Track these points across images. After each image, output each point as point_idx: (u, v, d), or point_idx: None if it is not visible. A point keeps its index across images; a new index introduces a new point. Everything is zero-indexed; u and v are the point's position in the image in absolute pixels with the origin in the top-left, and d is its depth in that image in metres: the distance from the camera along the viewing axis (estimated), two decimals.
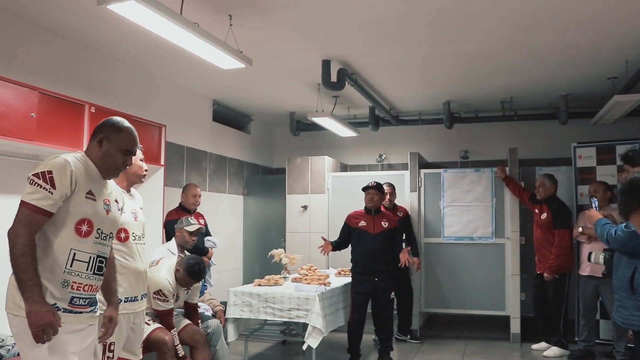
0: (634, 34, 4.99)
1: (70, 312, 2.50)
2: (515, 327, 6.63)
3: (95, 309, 2.68)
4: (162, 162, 5.35)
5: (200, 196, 5.87)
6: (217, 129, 7.36)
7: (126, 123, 2.70)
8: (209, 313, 5.13)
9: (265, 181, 8.43)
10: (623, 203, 2.60)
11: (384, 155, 8.56)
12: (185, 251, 5.01)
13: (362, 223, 5.67)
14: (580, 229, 5.83)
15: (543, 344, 6.22)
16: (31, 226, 2.38)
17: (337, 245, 5.83)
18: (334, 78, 5.71)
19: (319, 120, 6.74)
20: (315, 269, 6.27)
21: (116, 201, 2.80)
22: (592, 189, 5.85)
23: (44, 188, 2.41)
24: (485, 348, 6.40)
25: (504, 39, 5.08)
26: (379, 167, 8.52)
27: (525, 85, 6.60)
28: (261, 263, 7.77)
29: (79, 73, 5.04)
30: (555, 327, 6.05)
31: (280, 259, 6.08)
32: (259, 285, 5.45)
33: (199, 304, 5.08)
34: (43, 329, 2.32)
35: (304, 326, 6.27)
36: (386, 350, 5.71)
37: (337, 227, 7.14)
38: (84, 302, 2.56)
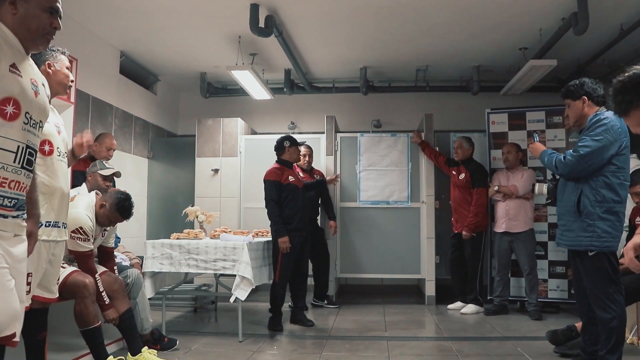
0: (551, 1, 5.18)
1: None
2: (430, 290, 6.66)
3: (23, 215, 2.19)
4: (73, 100, 4.75)
5: (114, 150, 5.33)
6: (123, 83, 6.80)
7: None
8: (127, 263, 4.65)
9: (172, 144, 7.91)
10: (622, 101, 2.37)
11: (295, 123, 8.36)
12: None
13: (291, 178, 5.40)
14: (496, 188, 6.01)
15: (458, 304, 6.31)
16: None
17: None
18: (261, 24, 5.45)
19: (238, 75, 6.41)
20: (230, 231, 5.93)
21: (43, 85, 2.28)
22: (506, 150, 6.11)
23: None
24: (403, 310, 6.37)
25: None
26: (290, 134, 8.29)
27: (443, 52, 6.71)
28: (165, 231, 7.26)
29: None
30: (471, 285, 6.16)
31: (197, 216, 5.68)
32: (177, 239, 5.03)
33: (115, 253, 4.59)
34: None
35: (217, 295, 6.00)
36: (301, 307, 5.57)
37: (249, 191, 7.00)
38: (10, 202, 2.07)
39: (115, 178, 4.61)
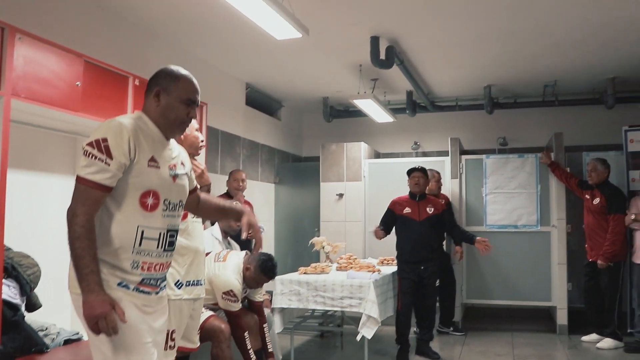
0: None
1: (140, 291, 2.20)
2: (562, 318, 6.37)
3: (163, 288, 2.37)
4: (204, 144, 5.04)
5: (244, 181, 5.61)
6: (249, 113, 7.08)
7: (183, 70, 2.32)
8: None
9: (297, 169, 8.15)
10: None
11: (418, 143, 8.29)
12: (229, 238, 4.73)
13: (407, 210, 5.44)
14: (633, 216, 5.61)
15: (594, 336, 5.96)
16: (88, 204, 2.04)
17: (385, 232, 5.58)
18: (382, 56, 5.45)
19: (360, 103, 6.46)
20: (355, 258, 6.01)
21: (182, 164, 2.41)
22: None
23: (99, 159, 2.05)
24: (533, 340, 6.15)
25: (566, 13, 4.84)
26: (413, 155, 8.24)
27: (573, 66, 6.34)
28: (293, 253, 7.52)
29: (122, 44, 4.76)
30: (609, 317, 5.79)
31: (323, 247, 5.81)
32: (304, 273, 5.17)
33: None
34: (97, 321, 2.00)
35: (342, 318, 6.08)
36: (426, 340, 5.53)
37: (374, 216, 6.96)
38: (155, 282, 2.26)
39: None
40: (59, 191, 4.16)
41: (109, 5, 4.58)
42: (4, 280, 3.16)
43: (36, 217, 3.97)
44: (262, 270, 3.97)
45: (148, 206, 2.19)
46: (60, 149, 4.17)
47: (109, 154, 2.07)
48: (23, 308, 3.33)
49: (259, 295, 4.32)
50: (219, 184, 5.86)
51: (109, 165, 2.06)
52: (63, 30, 4.11)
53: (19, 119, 3.67)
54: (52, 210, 4.09)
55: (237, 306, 3.89)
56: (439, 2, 4.59)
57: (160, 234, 2.25)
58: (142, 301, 2.22)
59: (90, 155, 2.07)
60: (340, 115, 8.02)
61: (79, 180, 2.07)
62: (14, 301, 3.24)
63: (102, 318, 2.00)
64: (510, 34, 5.35)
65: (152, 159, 2.21)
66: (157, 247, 2.24)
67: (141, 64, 4.90)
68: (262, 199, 7.39)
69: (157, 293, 2.30)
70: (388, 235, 5.61)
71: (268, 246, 7.50)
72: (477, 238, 5.64)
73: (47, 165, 4.07)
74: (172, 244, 2.33)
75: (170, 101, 2.25)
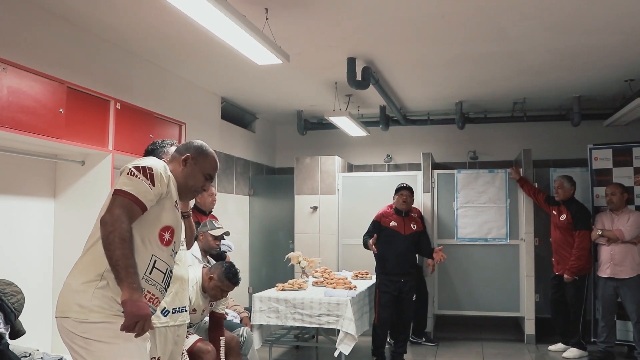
0: None
1: None
2: (530, 328, 6.60)
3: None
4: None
5: (215, 195, 5.64)
6: (225, 127, 7.11)
7: (211, 149, 2.63)
8: (237, 320, 4.91)
9: (271, 181, 8.22)
10: None
11: (391, 156, 8.44)
12: (209, 257, 4.78)
13: (394, 223, 5.61)
14: (599, 232, 5.83)
15: (560, 345, 6.22)
16: (129, 216, 2.22)
17: None
18: (358, 76, 5.55)
19: (336, 120, 6.58)
20: (330, 271, 6.13)
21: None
22: (609, 192, 5.88)
23: (144, 181, 2.28)
24: (503, 350, 6.36)
25: (537, 40, 4.99)
26: (385, 168, 8.39)
27: (541, 86, 6.55)
28: (268, 265, 7.58)
29: (102, 67, 4.75)
30: (574, 328, 6.04)
31: (299, 262, 5.91)
32: (282, 290, 5.25)
33: (226, 311, 4.84)
34: (137, 321, 2.08)
35: (317, 330, 6.17)
36: (401, 352, 5.69)
37: (348, 228, 7.12)
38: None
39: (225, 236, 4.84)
40: (38, 215, 4.16)
41: (89, 27, 4.57)
42: None
43: (16, 242, 3.97)
44: (227, 276, 4.02)
45: (164, 240, 2.39)
46: (40, 173, 4.17)
47: (152, 181, 2.30)
48: (7, 336, 3.34)
49: (222, 307, 4.33)
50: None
51: (151, 189, 2.28)
52: (44, 55, 4.10)
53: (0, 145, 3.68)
54: (31, 234, 4.09)
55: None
56: (415, 27, 4.70)
57: (166, 270, 2.42)
58: None
59: (136, 176, 2.28)
60: (313, 127, 8.10)
61: (123, 194, 2.24)
62: None
63: (144, 320, 2.10)
64: (483, 58, 5.51)
65: (176, 203, 2.47)
66: (162, 281, 2.41)
67: (121, 84, 4.92)
68: (236, 212, 7.43)
69: None
70: (361, 248, 5.83)
71: (242, 258, 7.55)
72: (429, 260, 5.95)
73: (26, 190, 4.06)
74: (169, 284, 2.50)
75: (194, 170, 2.53)
